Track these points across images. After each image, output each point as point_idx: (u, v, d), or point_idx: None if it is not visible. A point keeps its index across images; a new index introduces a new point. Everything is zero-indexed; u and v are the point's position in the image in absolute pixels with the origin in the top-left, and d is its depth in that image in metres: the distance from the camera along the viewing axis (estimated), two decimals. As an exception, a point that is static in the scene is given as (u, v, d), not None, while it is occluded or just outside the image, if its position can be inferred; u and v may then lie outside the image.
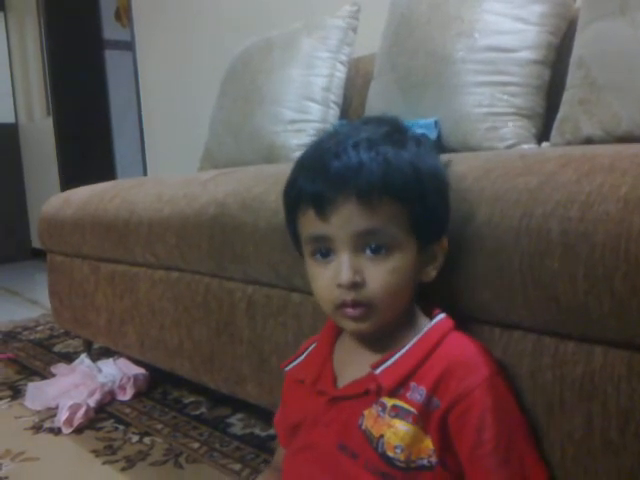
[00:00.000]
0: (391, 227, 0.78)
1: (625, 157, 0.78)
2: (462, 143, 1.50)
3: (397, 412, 0.80)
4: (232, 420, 1.63)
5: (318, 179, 0.78)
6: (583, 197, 0.74)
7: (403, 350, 0.83)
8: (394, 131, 0.83)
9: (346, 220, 0.78)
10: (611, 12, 1.20)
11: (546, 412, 0.80)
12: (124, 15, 4.89)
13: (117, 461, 1.44)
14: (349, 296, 0.79)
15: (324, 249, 0.81)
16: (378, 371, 0.82)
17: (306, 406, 0.91)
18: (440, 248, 0.84)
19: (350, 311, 0.80)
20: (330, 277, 0.80)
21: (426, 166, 0.81)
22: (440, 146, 1.50)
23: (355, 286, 0.78)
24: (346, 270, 0.78)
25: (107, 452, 1.49)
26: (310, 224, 0.81)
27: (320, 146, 0.83)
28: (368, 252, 0.79)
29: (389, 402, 0.81)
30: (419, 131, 1.40)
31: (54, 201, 2.19)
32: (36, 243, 5.04)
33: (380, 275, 0.79)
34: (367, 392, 0.83)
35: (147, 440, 1.54)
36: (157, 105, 3.68)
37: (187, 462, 1.41)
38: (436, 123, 1.53)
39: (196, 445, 1.49)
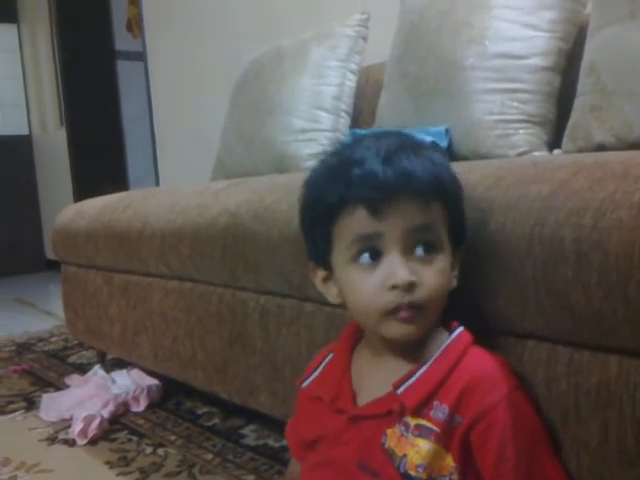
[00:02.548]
0: (439, 226, 0.80)
1: (638, 163, 0.77)
2: (473, 151, 1.50)
3: (420, 431, 0.79)
4: (245, 431, 1.62)
5: (368, 180, 0.78)
6: (596, 204, 0.73)
7: (424, 367, 0.81)
8: (418, 142, 0.85)
9: (400, 216, 0.77)
10: (621, 17, 1.20)
11: (561, 421, 0.80)
12: (135, 26, 4.91)
13: (131, 472, 1.44)
14: (405, 299, 0.77)
15: (373, 250, 0.79)
16: (400, 391, 0.81)
17: (325, 423, 0.89)
18: (461, 255, 0.85)
19: (404, 313, 0.78)
20: (378, 281, 0.78)
21: (454, 173, 0.84)
22: (451, 154, 1.50)
23: (411, 286, 0.77)
24: (403, 269, 0.77)
25: (121, 463, 1.49)
26: (358, 223, 0.79)
27: (345, 155, 0.83)
28: (417, 252, 0.78)
29: (412, 421, 0.80)
30: (429, 139, 1.41)
31: (67, 212, 2.20)
32: (50, 254, 5.05)
33: (431, 276, 0.78)
34: (390, 413, 0.82)
35: (161, 451, 1.54)
36: (169, 115, 3.69)
37: (201, 473, 1.41)
38: (447, 131, 1.53)
39: (210, 456, 1.49)
